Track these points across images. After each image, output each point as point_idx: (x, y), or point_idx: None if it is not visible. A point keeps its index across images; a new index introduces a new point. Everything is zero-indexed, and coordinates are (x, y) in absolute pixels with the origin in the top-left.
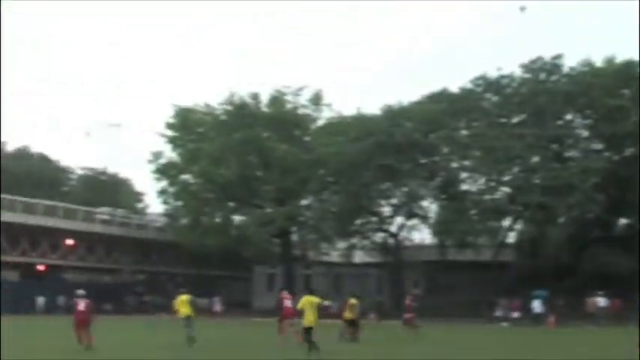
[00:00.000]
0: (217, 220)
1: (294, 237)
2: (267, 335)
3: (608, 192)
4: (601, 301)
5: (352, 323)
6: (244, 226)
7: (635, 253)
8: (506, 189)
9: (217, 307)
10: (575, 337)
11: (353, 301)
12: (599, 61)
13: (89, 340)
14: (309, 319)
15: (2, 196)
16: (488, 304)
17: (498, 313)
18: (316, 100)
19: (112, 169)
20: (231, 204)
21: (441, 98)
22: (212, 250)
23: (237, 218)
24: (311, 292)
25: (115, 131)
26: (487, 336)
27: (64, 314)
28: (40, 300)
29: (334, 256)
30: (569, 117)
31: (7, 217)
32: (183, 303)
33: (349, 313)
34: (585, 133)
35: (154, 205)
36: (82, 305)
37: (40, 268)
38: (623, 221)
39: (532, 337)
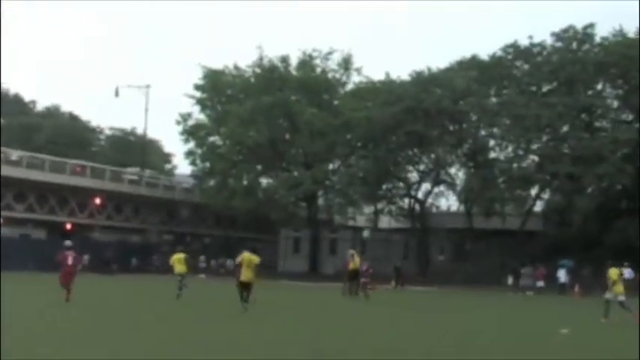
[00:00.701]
0: (245, 182)
1: (321, 201)
2: (298, 298)
3: (637, 163)
4: (626, 273)
5: (355, 275)
6: (271, 189)
7: None
8: (534, 157)
9: None
10: (598, 307)
11: (352, 251)
12: (631, 32)
13: (70, 292)
14: (246, 275)
15: (32, 154)
16: (514, 273)
17: (523, 281)
18: (345, 64)
19: (140, 130)
20: (259, 167)
21: (471, 65)
22: (239, 212)
23: (264, 181)
24: (253, 251)
25: (144, 92)
26: (502, 303)
27: (87, 272)
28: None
29: (360, 221)
30: (599, 87)
31: (35, 175)
32: (178, 261)
33: (352, 264)
34: (616, 104)
35: (182, 167)
36: (70, 259)
37: (68, 226)
38: None
39: (555, 305)
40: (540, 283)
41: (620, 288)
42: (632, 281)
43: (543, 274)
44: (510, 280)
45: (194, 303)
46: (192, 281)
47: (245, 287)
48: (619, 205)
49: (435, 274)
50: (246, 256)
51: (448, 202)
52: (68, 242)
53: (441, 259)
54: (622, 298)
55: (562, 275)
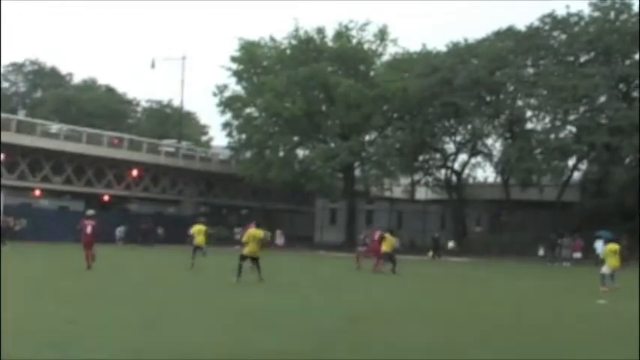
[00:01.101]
0: (281, 153)
1: (357, 172)
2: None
3: None
4: None
5: (390, 257)
6: (308, 161)
7: None
8: (571, 128)
9: (280, 240)
10: (635, 278)
11: (387, 235)
12: None
13: (91, 260)
14: (250, 249)
15: (70, 126)
16: (551, 244)
17: (562, 252)
18: (381, 35)
19: (176, 102)
20: (295, 138)
21: (507, 36)
22: (275, 183)
23: (300, 153)
24: (257, 226)
25: (180, 64)
26: (539, 275)
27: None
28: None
29: (397, 192)
30: (637, 57)
31: (73, 147)
32: (199, 232)
33: (385, 246)
34: None
35: (219, 138)
36: (89, 229)
37: (105, 198)
38: None
39: (593, 276)
40: (578, 255)
41: (613, 261)
42: None
43: (581, 245)
44: (542, 252)
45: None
46: (228, 252)
47: (252, 261)
48: None
49: (471, 245)
50: (251, 231)
51: (485, 173)
52: (90, 211)
53: (477, 230)
54: (606, 270)
55: (599, 246)
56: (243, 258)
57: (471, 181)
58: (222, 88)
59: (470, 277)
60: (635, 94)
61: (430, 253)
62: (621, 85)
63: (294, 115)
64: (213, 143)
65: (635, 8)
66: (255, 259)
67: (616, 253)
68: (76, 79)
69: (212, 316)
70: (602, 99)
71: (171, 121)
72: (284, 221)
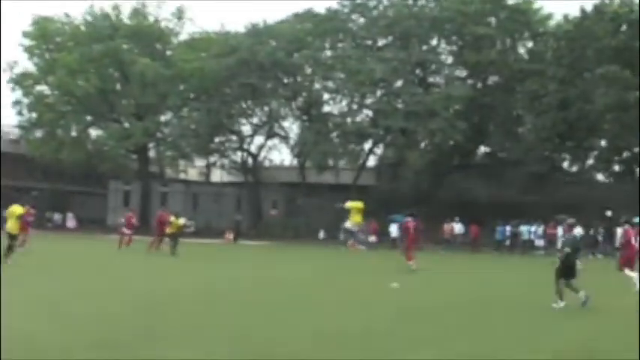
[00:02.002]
0: (73, 133)
1: (152, 153)
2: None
3: (469, 120)
4: (457, 227)
5: (173, 237)
6: (101, 141)
7: (494, 181)
8: (368, 112)
9: (71, 222)
10: (427, 260)
11: (172, 218)
12: None
13: None
14: (10, 226)
15: None
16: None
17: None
18: (179, 14)
19: None
20: (89, 117)
21: (306, 18)
22: (67, 164)
23: (94, 133)
24: (21, 204)
25: None
26: (331, 257)
27: None
28: None
29: (192, 174)
30: (434, 42)
31: None
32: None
33: (171, 228)
34: (450, 60)
35: (8, 117)
36: None
37: None
38: (483, 149)
39: (387, 260)
40: (373, 238)
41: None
42: (463, 236)
43: (376, 228)
44: (322, 235)
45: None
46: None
47: (11, 238)
48: (451, 161)
49: (267, 229)
50: (10, 208)
51: (281, 155)
52: None
53: (273, 213)
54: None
55: (394, 230)
56: (9, 237)
57: (267, 163)
58: (12, 65)
59: (257, 259)
60: (432, 79)
61: (231, 236)
62: (418, 71)
63: (88, 94)
64: (2, 122)
65: None
66: (14, 236)
67: (360, 210)
68: None
69: None
70: (399, 83)
71: None
72: (76, 203)
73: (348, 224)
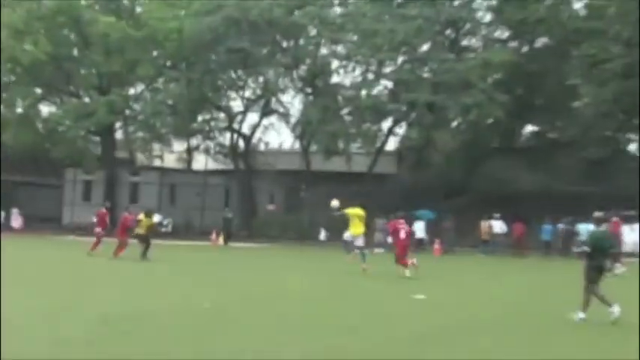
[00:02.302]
0: (19, 110)
1: (119, 135)
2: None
3: (512, 92)
4: (497, 226)
5: (144, 239)
6: (55, 119)
7: (542, 168)
8: (387, 83)
9: (16, 221)
10: (460, 267)
11: (142, 216)
12: None
13: None
14: None
15: None
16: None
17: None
18: None
19: None
20: (38, 90)
21: None
22: (11, 148)
23: (45, 109)
24: None
25: None
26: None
27: None
28: None
29: (169, 161)
30: None
31: None
32: None
33: (140, 228)
34: (488, 17)
35: None
36: None
37: None
38: (529, 129)
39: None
40: (380, 250)
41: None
42: (505, 236)
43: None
44: (323, 236)
45: None
46: None
47: None
48: (489, 143)
49: (263, 228)
50: None
51: (280, 137)
52: None
53: (270, 208)
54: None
55: (419, 229)
56: None
57: (262, 147)
58: None
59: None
60: (466, 42)
61: (221, 238)
62: (448, 31)
63: (37, 61)
64: None
65: None
66: None
67: (362, 218)
68: None
69: None
70: (425, 47)
71: None
72: (23, 197)
73: (347, 235)
